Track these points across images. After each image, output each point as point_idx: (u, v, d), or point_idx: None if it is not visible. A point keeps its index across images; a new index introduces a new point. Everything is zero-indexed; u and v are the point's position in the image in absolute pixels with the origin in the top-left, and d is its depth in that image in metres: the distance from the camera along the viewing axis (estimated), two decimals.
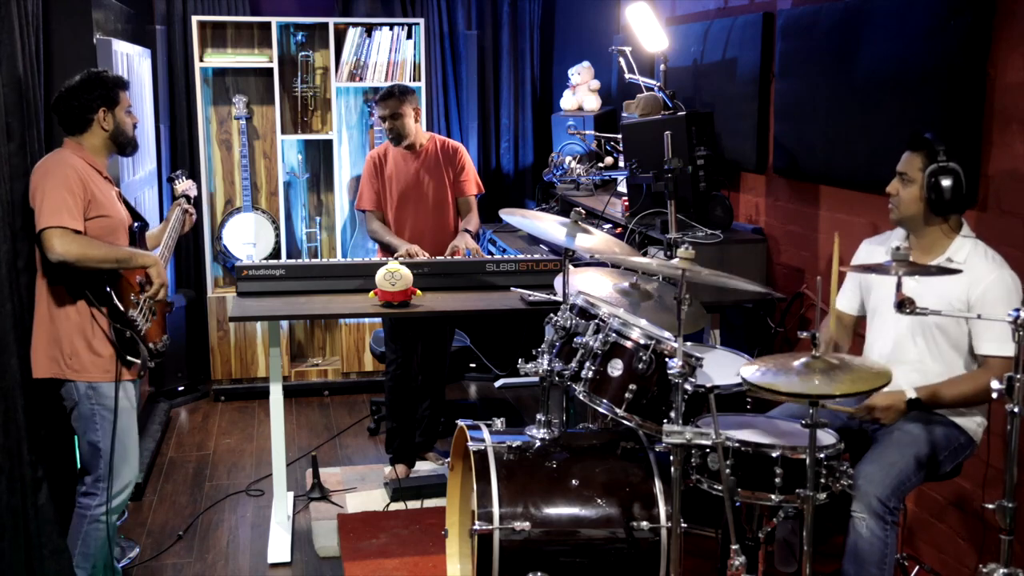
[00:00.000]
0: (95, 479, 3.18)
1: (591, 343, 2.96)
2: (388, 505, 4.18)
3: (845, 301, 3.18)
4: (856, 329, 3.20)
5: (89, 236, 3.04)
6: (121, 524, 3.79)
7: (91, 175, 3.11)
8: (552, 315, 3.12)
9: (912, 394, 2.79)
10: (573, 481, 2.91)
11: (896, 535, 2.74)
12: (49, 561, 3.17)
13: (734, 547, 2.54)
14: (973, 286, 2.76)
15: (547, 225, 3.29)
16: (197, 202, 3.88)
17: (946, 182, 2.76)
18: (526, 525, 2.82)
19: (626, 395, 2.87)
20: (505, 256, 4.65)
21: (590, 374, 2.94)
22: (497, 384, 5.92)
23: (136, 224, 3.30)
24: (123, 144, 3.25)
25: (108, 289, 3.08)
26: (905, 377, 2.85)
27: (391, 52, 5.72)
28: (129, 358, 3.14)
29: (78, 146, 3.16)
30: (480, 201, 4.61)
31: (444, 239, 4.43)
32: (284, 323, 5.62)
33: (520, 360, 3.10)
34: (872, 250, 3.11)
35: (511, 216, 3.45)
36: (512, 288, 3.96)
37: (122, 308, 3.10)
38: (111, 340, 3.11)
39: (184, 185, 3.72)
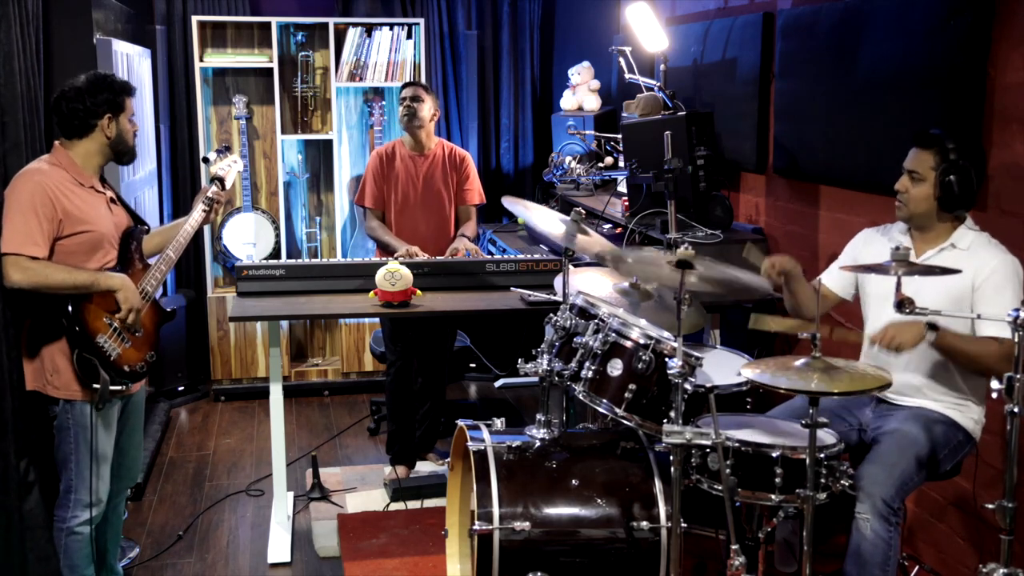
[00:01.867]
0: (64, 490, 3.07)
1: (591, 343, 2.96)
2: (388, 505, 4.18)
3: (832, 280, 3.15)
4: (836, 307, 3.22)
5: (63, 254, 2.92)
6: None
7: (67, 190, 2.95)
8: (552, 315, 3.12)
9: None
10: (573, 481, 2.91)
11: (899, 536, 2.74)
12: (35, 566, 3.11)
13: (734, 547, 2.54)
14: (978, 271, 2.75)
15: (548, 220, 3.29)
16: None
17: (959, 180, 2.75)
18: (526, 525, 2.81)
19: (626, 395, 2.87)
20: (505, 256, 4.65)
21: (590, 374, 2.94)
22: (497, 384, 5.91)
23: (135, 227, 3.20)
24: (121, 153, 3.11)
25: (71, 311, 2.91)
26: (900, 359, 2.85)
27: (391, 52, 5.72)
28: (95, 385, 2.96)
29: (64, 154, 3.02)
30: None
31: (443, 244, 4.43)
32: (284, 323, 5.61)
33: (520, 360, 3.09)
34: (871, 237, 3.10)
35: (513, 205, 3.44)
36: (512, 288, 3.96)
37: (90, 333, 2.94)
38: (71, 365, 2.95)
39: (218, 165, 3.39)
